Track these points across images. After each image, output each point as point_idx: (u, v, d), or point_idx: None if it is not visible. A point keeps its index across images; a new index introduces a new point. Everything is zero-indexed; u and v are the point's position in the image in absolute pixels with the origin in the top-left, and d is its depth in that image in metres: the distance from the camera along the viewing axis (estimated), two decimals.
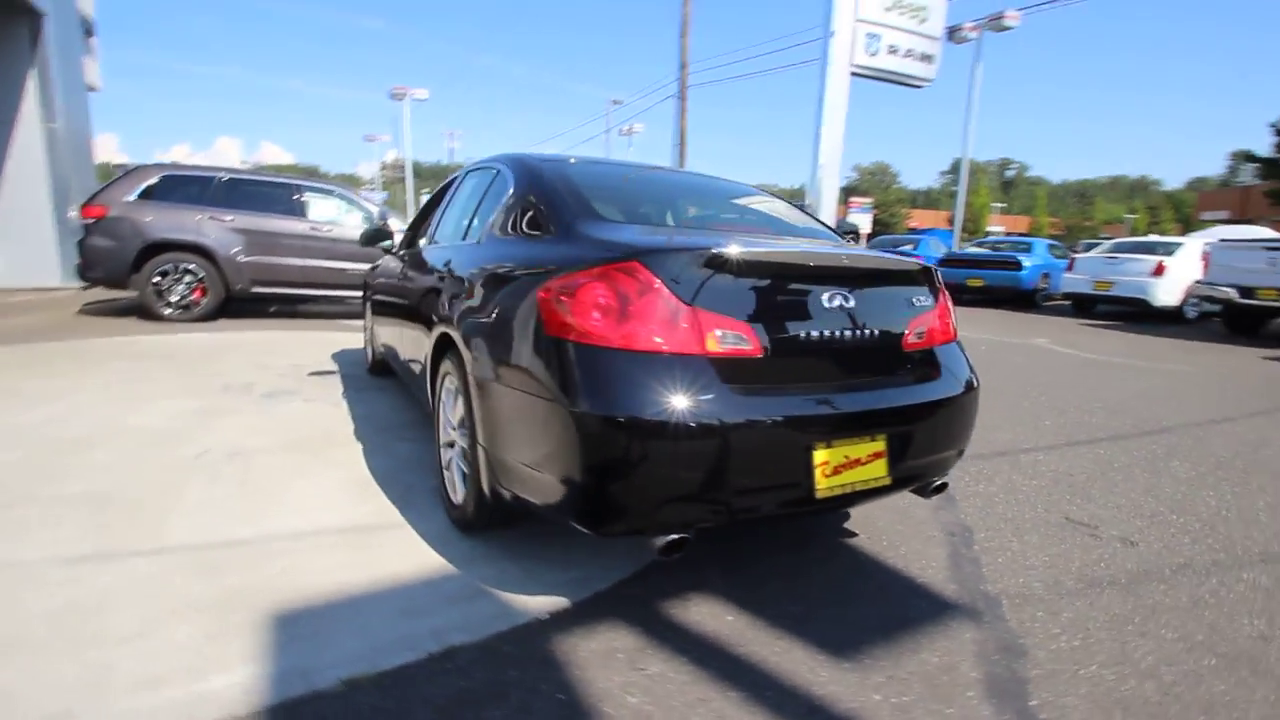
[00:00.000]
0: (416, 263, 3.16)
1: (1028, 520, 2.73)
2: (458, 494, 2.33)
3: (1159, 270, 10.45)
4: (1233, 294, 8.61)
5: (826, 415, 1.76)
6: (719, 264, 1.72)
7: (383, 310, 4.06)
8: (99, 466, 2.82)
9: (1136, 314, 11.34)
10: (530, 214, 2.22)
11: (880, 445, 1.89)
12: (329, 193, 7.84)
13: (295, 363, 5.16)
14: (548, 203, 2.18)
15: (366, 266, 7.59)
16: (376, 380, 4.69)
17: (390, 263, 4.06)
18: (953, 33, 18.06)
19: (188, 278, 6.98)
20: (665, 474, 1.60)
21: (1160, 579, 2.26)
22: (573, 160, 2.55)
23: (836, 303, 1.88)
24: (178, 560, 2.09)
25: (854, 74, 16.37)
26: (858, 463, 1.85)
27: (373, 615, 1.85)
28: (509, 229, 2.30)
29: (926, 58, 17.30)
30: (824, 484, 1.78)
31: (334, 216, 7.67)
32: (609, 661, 1.70)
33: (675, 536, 1.66)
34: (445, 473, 2.51)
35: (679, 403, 1.60)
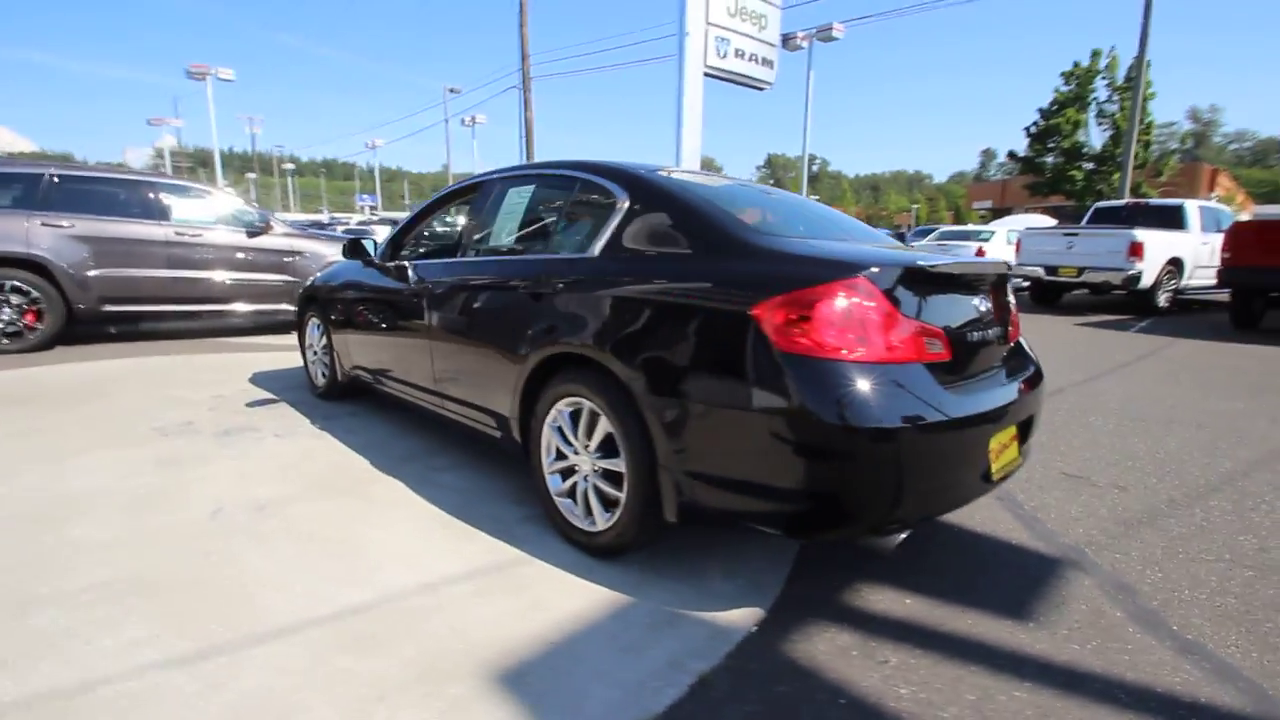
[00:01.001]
0: (454, 277, 2.89)
1: (1038, 480, 3.20)
2: (597, 518, 2.23)
3: (980, 253, 12.39)
4: (1041, 272, 10.50)
5: (997, 405, 1.97)
6: (919, 276, 1.86)
7: (370, 327, 3.64)
8: (99, 545, 2.28)
9: None
10: (662, 228, 2.17)
11: (1014, 429, 2.15)
12: (200, 192, 6.72)
13: (215, 393, 4.44)
14: (692, 217, 2.15)
15: (265, 277, 6.72)
16: (342, 405, 4.19)
17: (370, 275, 3.65)
18: (787, 40, 19.70)
19: (15, 298, 5.63)
20: (908, 474, 1.71)
21: (1162, 514, 2.80)
22: (666, 171, 2.51)
23: (984, 305, 2.10)
24: (315, 639, 1.80)
25: (707, 74, 17.26)
26: (1005, 447, 2.09)
27: (595, 658, 1.75)
28: (631, 243, 2.23)
29: (767, 62, 18.61)
30: (995, 467, 2.00)
31: (206, 218, 6.60)
32: (850, 660, 1.78)
33: (903, 534, 1.78)
34: (561, 500, 2.38)
35: (917, 406, 1.71)
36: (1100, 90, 26.36)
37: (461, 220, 3.41)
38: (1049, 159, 27.46)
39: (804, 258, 1.91)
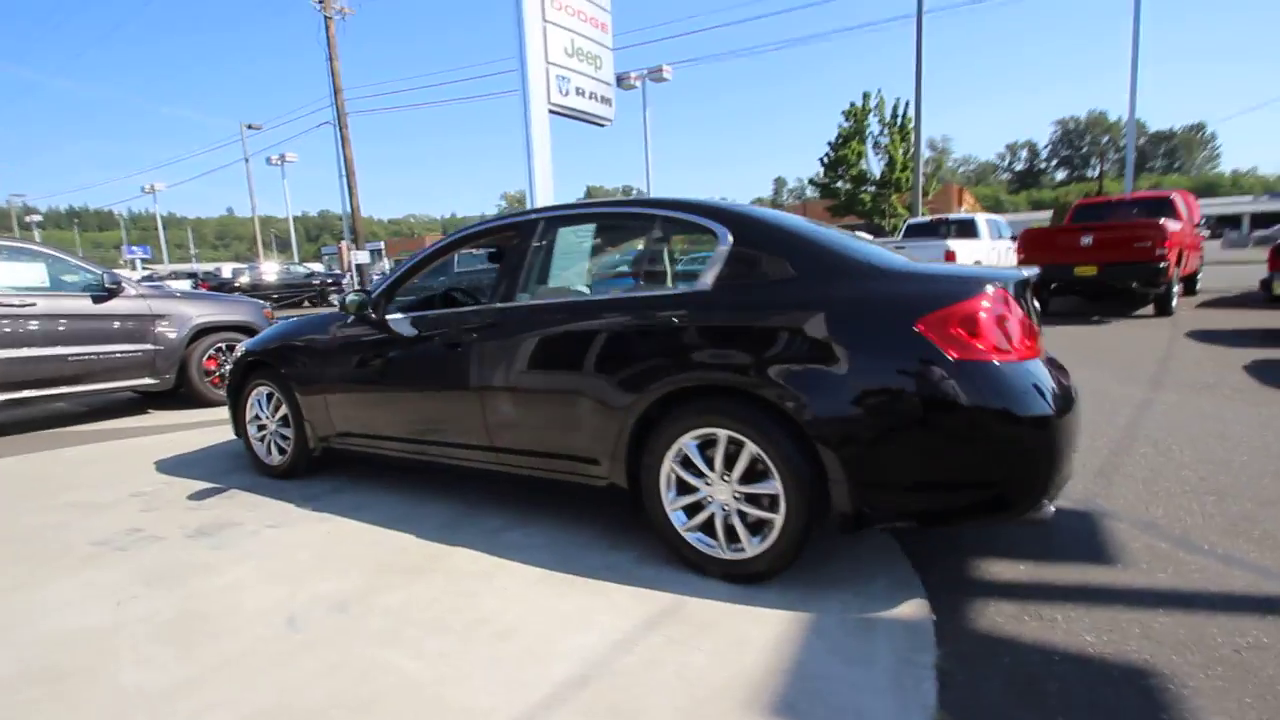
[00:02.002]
0: (513, 323, 2.74)
1: None
2: (747, 546, 2.27)
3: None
4: None
5: (1073, 388, 2.36)
6: (1024, 286, 2.19)
7: (370, 387, 3.27)
8: (177, 690, 1.84)
9: None
10: (778, 259, 2.30)
11: None
12: (22, 252, 5.46)
13: (130, 492, 3.67)
14: (806, 246, 2.30)
15: (120, 349, 5.60)
16: (315, 483, 3.67)
17: (362, 330, 3.30)
18: (621, 80, 20.77)
19: None
20: (1059, 453, 2.00)
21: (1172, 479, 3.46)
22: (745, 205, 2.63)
23: (1034, 304, 2.50)
24: None
25: (552, 111, 17.60)
26: None
27: (838, 674, 1.80)
28: (745, 275, 2.33)
29: (606, 100, 19.47)
30: None
31: (35, 283, 5.39)
32: (1027, 624, 2.02)
33: (1052, 507, 2.06)
34: (691, 534, 2.38)
35: (1054, 393, 2.02)
36: (874, 125, 30.98)
37: (460, 265, 3.23)
38: (840, 184, 31.62)
39: (946, 276, 2.16)
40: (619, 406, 2.46)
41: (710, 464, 2.32)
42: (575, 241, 2.78)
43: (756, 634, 2.01)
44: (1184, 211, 10.74)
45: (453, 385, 2.96)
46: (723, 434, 2.27)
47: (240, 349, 4.01)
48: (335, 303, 14.83)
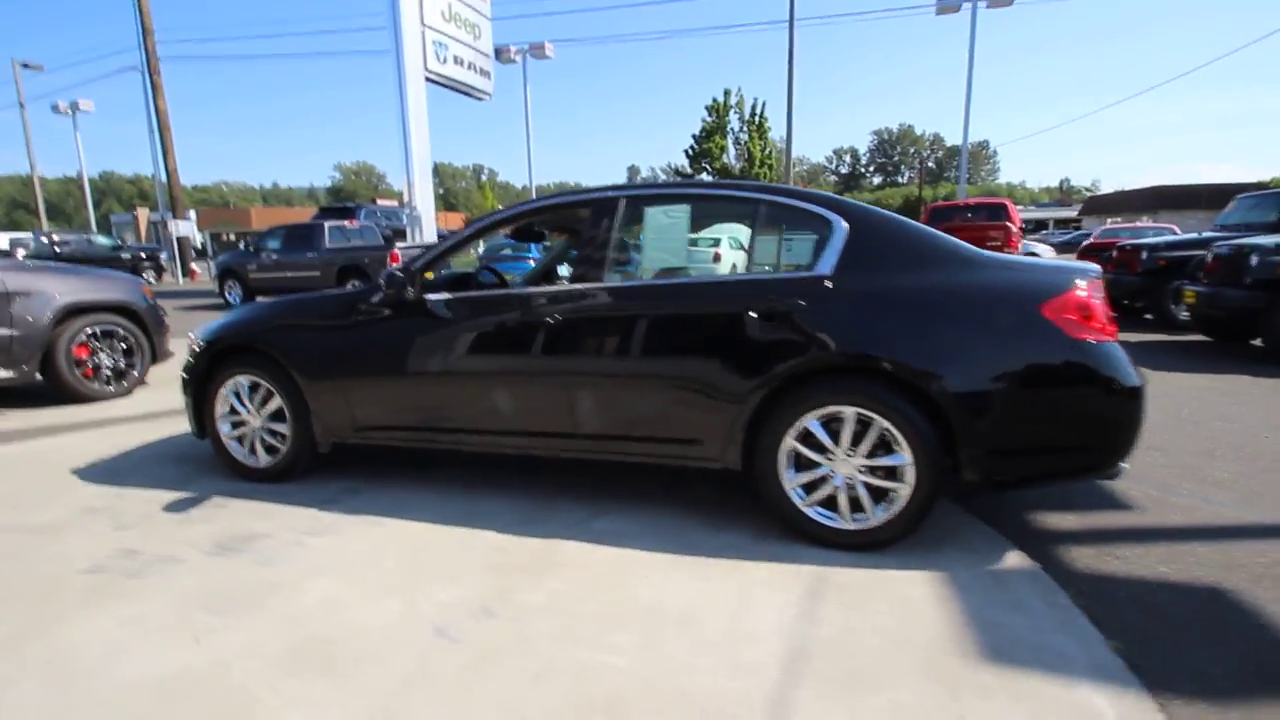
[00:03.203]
0: (605, 303, 2.63)
1: None
2: (871, 515, 2.42)
3: (716, 258, 14.57)
4: None
5: None
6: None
7: (408, 375, 2.95)
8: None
9: None
10: (897, 247, 2.45)
11: None
12: None
13: (80, 506, 3.01)
14: (921, 238, 2.47)
15: None
16: (321, 483, 3.24)
17: (398, 312, 2.97)
18: (500, 53, 19.87)
19: None
20: (1141, 418, 2.37)
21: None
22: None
23: None
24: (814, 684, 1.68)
25: (429, 79, 16.44)
26: None
27: (1015, 623, 2.01)
28: (865, 262, 2.45)
29: (485, 73, 18.65)
30: None
31: None
32: (1114, 563, 2.39)
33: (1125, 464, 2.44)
34: (810, 509, 2.48)
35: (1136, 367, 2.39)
36: (735, 122, 32.65)
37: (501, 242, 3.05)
38: (705, 176, 33.00)
39: (1052, 267, 2.43)
40: (738, 389, 2.49)
41: (835, 440, 2.44)
42: (667, 223, 2.72)
43: (916, 594, 2.17)
44: (1014, 215, 12.69)
45: (528, 371, 2.79)
46: (850, 411, 2.40)
47: (202, 334, 3.40)
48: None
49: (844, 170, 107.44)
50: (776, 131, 32.59)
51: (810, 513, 2.50)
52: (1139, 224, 16.78)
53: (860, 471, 2.44)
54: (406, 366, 2.98)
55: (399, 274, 2.87)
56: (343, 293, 3.21)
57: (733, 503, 2.91)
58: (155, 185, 26.56)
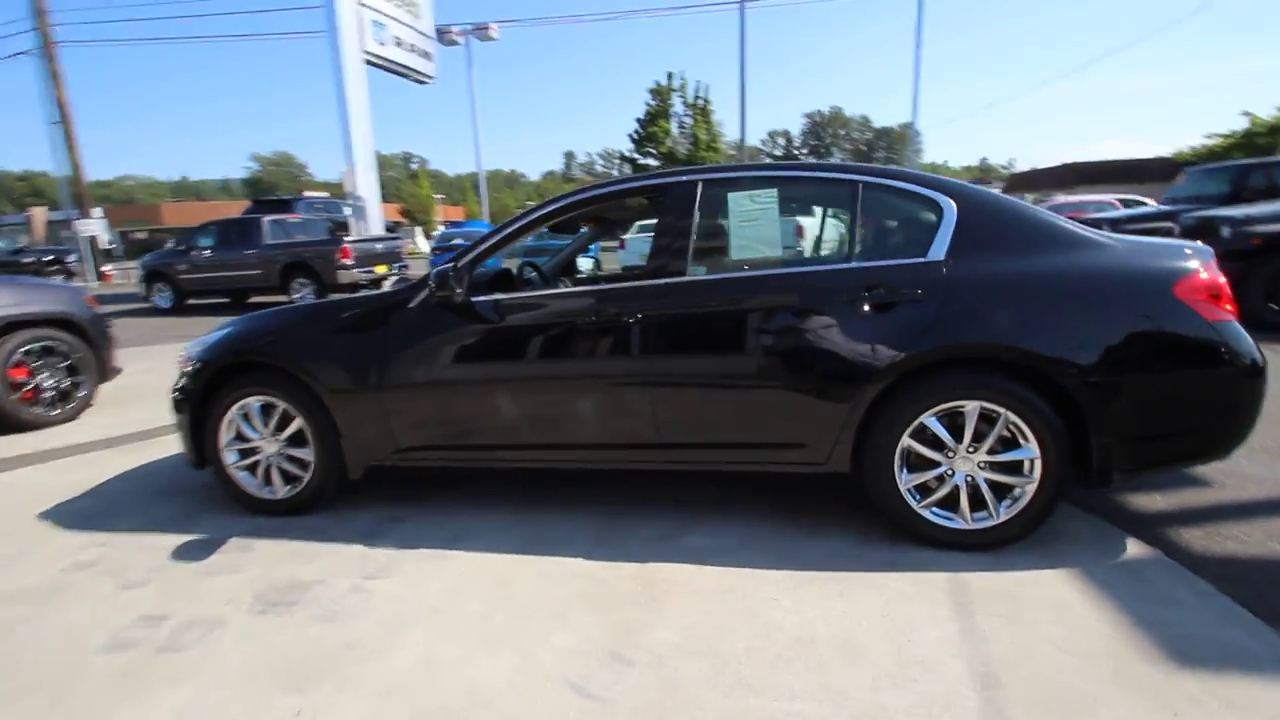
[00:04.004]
0: (698, 298, 2.38)
1: None
2: (997, 513, 2.28)
3: None
4: None
5: None
6: None
7: (454, 387, 2.62)
8: None
9: None
10: (1012, 231, 2.30)
11: None
12: None
13: (66, 561, 2.55)
14: (1035, 220, 2.32)
15: None
16: (355, 513, 2.86)
17: (433, 315, 2.63)
18: (443, 34, 18.89)
19: None
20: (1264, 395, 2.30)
21: None
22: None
23: None
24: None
25: (368, 62, 15.46)
26: None
27: (1168, 618, 1.91)
28: (978, 246, 2.29)
29: (426, 54, 17.74)
30: None
31: None
32: (1222, 542, 2.33)
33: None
34: (927, 511, 2.33)
35: None
36: (678, 105, 32.41)
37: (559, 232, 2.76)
38: (651, 161, 32.69)
39: (1176, 248, 2.32)
40: (848, 387, 2.30)
41: (955, 436, 2.28)
42: (754, 209, 2.48)
43: (1065, 597, 2.04)
44: None
45: (602, 377, 2.51)
46: (972, 405, 2.24)
47: (197, 352, 2.95)
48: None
49: (779, 153, 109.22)
50: (718, 115, 32.64)
51: (927, 514, 2.35)
52: (1099, 198, 17.33)
53: (982, 468, 2.29)
54: (459, 377, 2.65)
55: (450, 273, 2.52)
56: (374, 296, 2.83)
57: (823, 504, 2.73)
58: (54, 182, 24.20)
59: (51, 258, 20.27)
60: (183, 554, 2.59)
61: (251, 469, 2.93)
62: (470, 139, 20.89)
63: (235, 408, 2.87)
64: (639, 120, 32.34)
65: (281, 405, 2.82)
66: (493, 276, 3.06)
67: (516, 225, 2.76)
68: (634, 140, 32.57)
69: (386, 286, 11.30)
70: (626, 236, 13.69)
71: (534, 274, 3.29)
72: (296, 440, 2.85)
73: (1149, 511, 2.64)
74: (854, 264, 2.36)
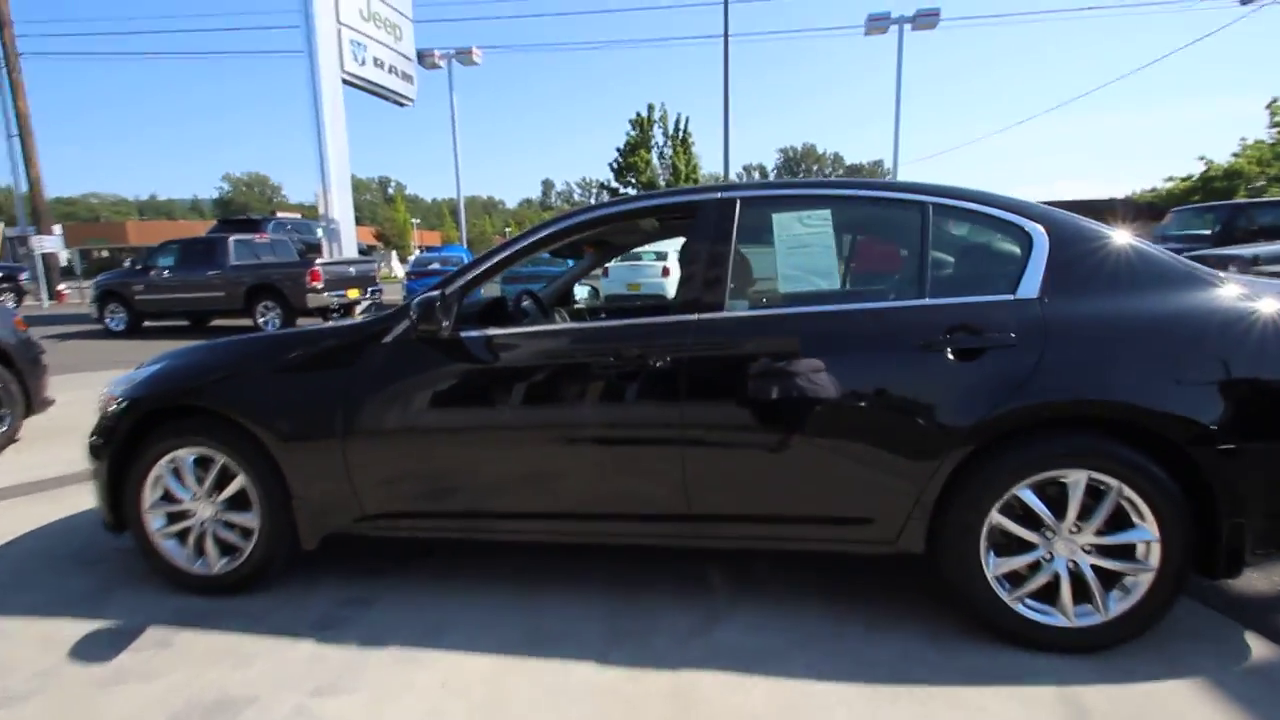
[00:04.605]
0: (757, 337, 1.97)
1: None
2: (1107, 607, 1.87)
3: (665, 273, 14.06)
4: None
5: None
6: None
7: (464, 433, 2.15)
8: None
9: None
10: (1114, 264, 1.93)
11: None
12: None
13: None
14: (1136, 251, 1.96)
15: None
16: (308, 594, 2.34)
17: (428, 353, 2.17)
18: (424, 58, 18.60)
19: None
20: None
21: None
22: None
23: None
24: None
25: (346, 82, 15.05)
26: None
27: None
28: (1075, 281, 1.91)
29: (407, 77, 17.39)
30: None
31: None
32: None
33: None
34: (1020, 605, 1.91)
35: None
36: (658, 136, 32.58)
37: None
38: (631, 190, 32.70)
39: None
40: (928, 451, 1.88)
41: (1057, 512, 1.87)
42: (805, 233, 2.08)
43: (1209, 714, 1.62)
44: None
45: (622, 433, 2.06)
46: (1076, 476, 1.84)
47: (122, 389, 2.43)
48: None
49: None
50: (697, 146, 32.91)
51: (1020, 608, 1.92)
52: None
53: (1088, 552, 1.88)
54: (442, 427, 2.17)
55: (436, 302, 2.06)
56: (341, 327, 2.35)
57: (874, 583, 2.29)
58: (12, 197, 23.10)
59: (3, 275, 19.15)
60: (85, 651, 2.04)
61: (181, 536, 2.40)
62: (449, 164, 20.45)
63: (164, 460, 2.35)
64: (619, 150, 32.42)
65: (220, 459, 2.30)
66: (484, 307, 2.60)
67: (514, 248, 2.32)
68: (614, 169, 32.59)
69: (359, 311, 10.75)
70: (610, 264, 13.34)
71: (532, 305, 2.84)
72: (238, 503, 2.33)
73: (1254, 595, 2.25)
74: (930, 301, 1.96)
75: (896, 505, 1.94)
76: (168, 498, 2.39)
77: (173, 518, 2.40)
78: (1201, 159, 23.83)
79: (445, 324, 2.11)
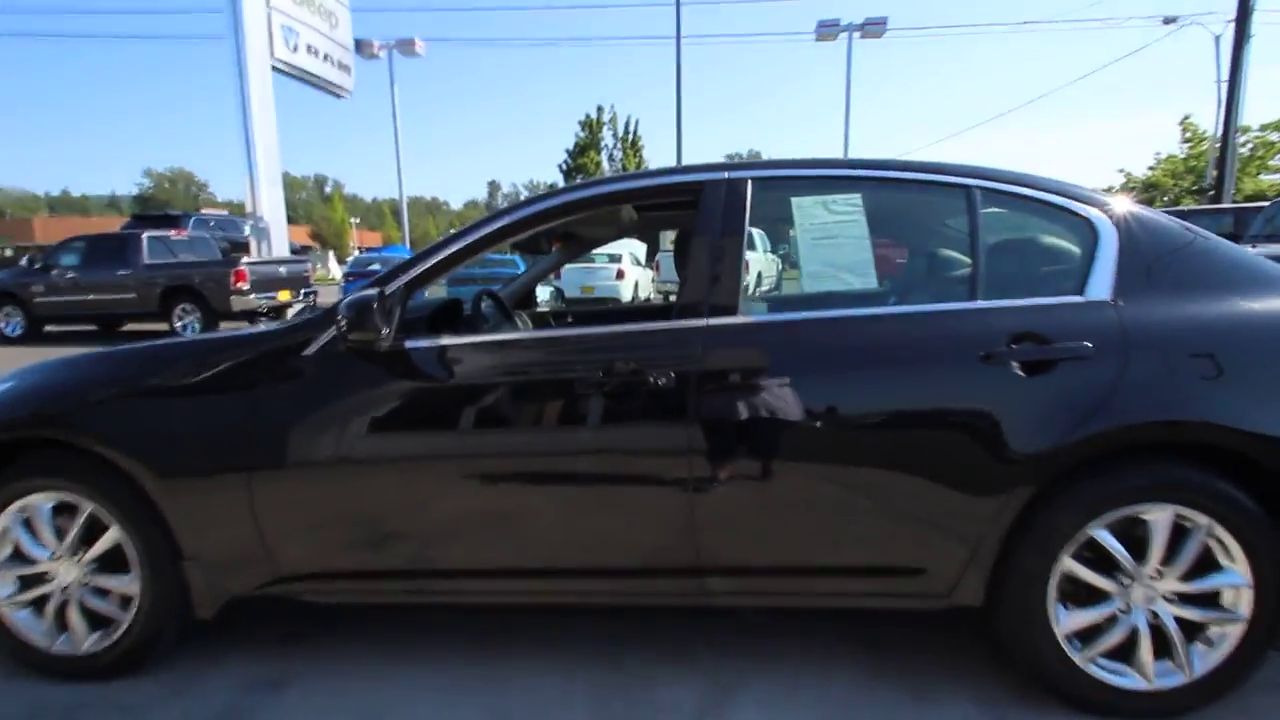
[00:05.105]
0: (776, 347, 1.60)
1: None
2: (1191, 665, 1.57)
3: (619, 275, 13.65)
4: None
5: None
6: None
7: (410, 472, 1.69)
8: None
9: None
10: (1193, 263, 1.65)
11: None
12: None
13: None
14: (1239, 257, 1.70)
15: None
16: (201, 678, 1.83)
17: (364, 366, 1.71)
18: (362, 47, 17.62)
19: None
20: None
21: None
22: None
23: None
24: None
25: (275, 69, 14.04)
26: None
27: None
28: (1148, 282, 1.62)
29: (344, 67, 16.46)
30: None
31: None
32: None
33: None
34: (1093, 665, 1.60)
35: None
36: (608, 138, 32.23)
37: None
38: None
39: None
40: (991, 485, 1.55)
41: (1137, 556, 1.57)
42: (832, 221, 1.73)
43: None
44: None
45: (613, 466, 1.66)
46: (1159, 513, 1.54)
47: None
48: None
49: None
50: (648, 150, 32.78)
51: (1092, 669, 1.61)
52: None
53: (1170, 601, 1.58)
54: (383, 463, 1.71)
55: (372, 304, 1.60)
56: (246, 336, 1.85)
57: (908, 634, 1.95)
58: None
59: None
60: None
61: (37, 606, 1.86)
62: (390, 163, 19.50)
63: (12, 509, 1.81)
64: (568, 151, 31.92)
65: (87, 506, 1.78)
66: (434, 311, 2.14)
67: (471, 238, 1.86)
68: (563, 171, 32.05)
69: (290, 316, 9.94)
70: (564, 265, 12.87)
71: (494, 308, 2.39)
72: (111, 562, 1.81)
73: None
74: (987, 303, 1.63)
75: (953, 551, 1.60)
76: (18, 556, 1.84)
77: (26, 582, 1.85)
78: (1121, 171, 25.21)
79: (384, 331, 1.65)
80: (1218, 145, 15.53)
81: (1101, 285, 1.62)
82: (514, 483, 1.70)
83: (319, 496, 1.74)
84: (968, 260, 1.69)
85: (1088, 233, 1.68)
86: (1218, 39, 19.46)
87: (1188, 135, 24.56)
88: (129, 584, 1.80)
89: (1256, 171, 23.18)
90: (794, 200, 1.77)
